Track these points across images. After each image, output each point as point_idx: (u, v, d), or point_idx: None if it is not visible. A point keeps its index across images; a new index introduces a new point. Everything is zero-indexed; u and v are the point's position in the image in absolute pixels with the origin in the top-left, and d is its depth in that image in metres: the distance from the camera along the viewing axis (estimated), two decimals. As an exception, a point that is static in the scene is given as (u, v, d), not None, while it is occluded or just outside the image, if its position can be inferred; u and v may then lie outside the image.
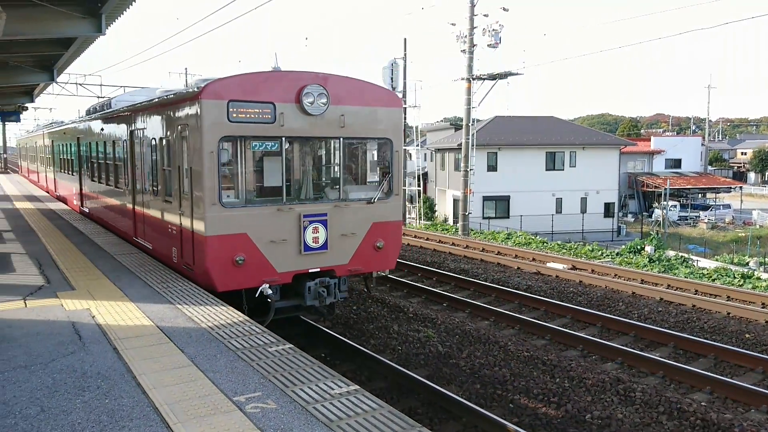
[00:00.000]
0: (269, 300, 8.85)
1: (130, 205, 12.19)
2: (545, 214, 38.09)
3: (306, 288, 9.19)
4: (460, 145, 27.25)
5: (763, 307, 12.57)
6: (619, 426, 7.42)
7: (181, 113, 9.07)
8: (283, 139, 8.86)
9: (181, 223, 9.33)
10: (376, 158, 10.36)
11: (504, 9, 25.48)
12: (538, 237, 26.67)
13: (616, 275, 16.12)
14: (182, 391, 4.91)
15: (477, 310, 12.64)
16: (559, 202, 39.73)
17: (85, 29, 13.70)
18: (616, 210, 41.76)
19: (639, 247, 22.90)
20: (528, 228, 33.04)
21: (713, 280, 16.55)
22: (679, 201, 52.16)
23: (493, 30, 25.07)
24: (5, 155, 62.12)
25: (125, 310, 7.28)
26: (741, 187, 59.36)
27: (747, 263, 21.94)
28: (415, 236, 24.66)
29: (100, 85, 35.57)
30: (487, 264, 18.31)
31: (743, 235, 40.02)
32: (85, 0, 13.05)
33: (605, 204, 40.98)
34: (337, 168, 9.79)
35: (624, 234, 41.38)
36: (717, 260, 22.84)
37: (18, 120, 38.71)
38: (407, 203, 34.97)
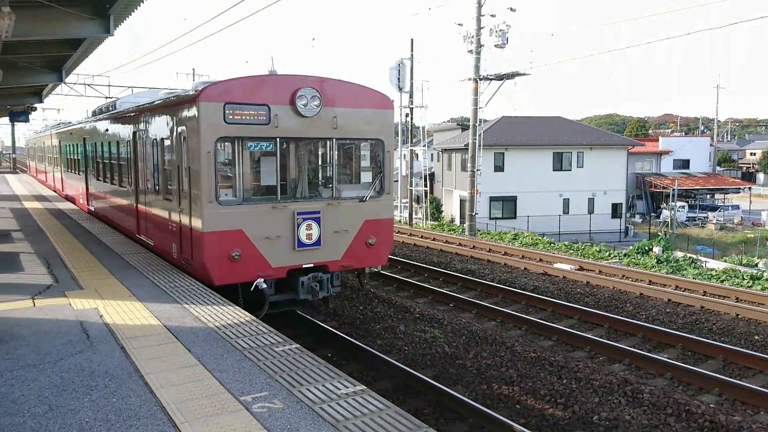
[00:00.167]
0: (264, 294, 9.19)
1: (133, 204, 12.56)
2: (552, 214, 37.98)
3: (299, 283, 9.56)
4: (467, 145, 27.22)
5: (772, 309, 12.48)
6: (627, 428, 7.38)
7: (180, 115, 9.46)
8: (278, 139, 9.23)
9: (180, 221, 9.69)
10: (368, 158, 10.72)
11: (511, 9, 25.41)
12: (545, 238, 26.58)
13: (623, 276, 16.05)
14: (189, 391, 4.93)
15: (484, 310, 12.61)
16: (566, 203, 39.61)
17: (93, 30, 13.80)
18: (623, 211, 41.59)
19: (647, 247, 22.80)
20: (535, 228, 32.96)
21: (722, 281, 16.44)
22: (688, 202, 51.92)
23: (501, 30, 25.01)
24: (14, 155, 62.55)
25: (133, 310, 7.31)
26: (750, 188, 59.04)
27: (756, 264, 21.79)
28: (422, 236, 24.64)
29: (108, 85, 35.75)
30: (494, 264, 18.27)
31: (752, 236, 39.77)
32: (93, 1, 13.13)
33: (613, 204, 40.82)
34: (330, 167, 10.11)
35: (632, 235, 41.22)
36: (725, 261, 22.70)
37: (27, 120, 38.96)
38: (414, 203, 34.95)
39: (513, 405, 8.01)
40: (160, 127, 10.64)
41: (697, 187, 52.11)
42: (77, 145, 19.49)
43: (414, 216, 33.73)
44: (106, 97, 34.06)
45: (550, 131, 40.81)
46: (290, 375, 5.26)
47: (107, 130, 14.88)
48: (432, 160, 47.46)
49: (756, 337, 10.97)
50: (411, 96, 32.74)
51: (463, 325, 11.38)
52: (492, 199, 37.75)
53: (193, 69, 40.04)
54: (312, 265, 9.69)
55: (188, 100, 9.09)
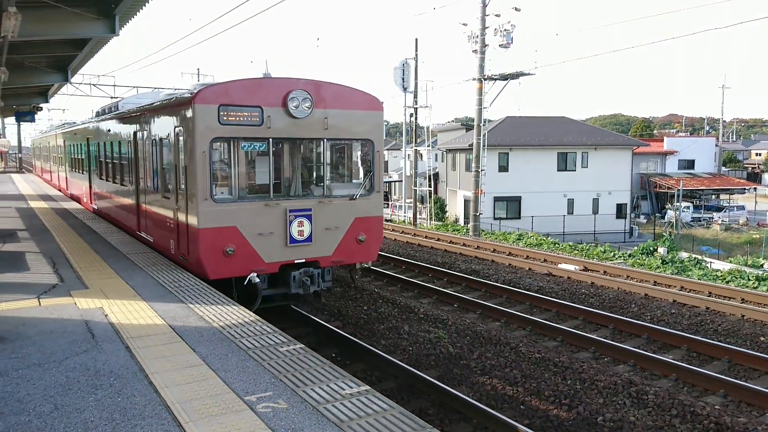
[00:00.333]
0: (257, 288, 9.56)
1: (133, 202, 12.94)
2: (557, 215, 37.89)
3: (291, 277, 9.94)
4: (471, 145, 27.18)
5: (778, 310, 12.42)
6: (632, 429, 7.36)
7: (177, 116, 9.86)
8: (270, 140, 9.61)
9: (177, 218, 10.09)
10: (358, 158, 11.12)
11: (516, 9, 25.38)
12: (549, 238, 26.55)
13: (628, 277, 16.01)
14: (194, 390, 4.94)
15: (488, 311, 12.60)
16: (570, 203, 39.52)
17: (98, 30, 13.85)
18: (628, 211, 41.46)
19: (652, 248, 22.73)
20: (539, 229, 32.90)
21: (727, 282, 16.39)
22: (692, 202, 51.75)
23: (505, 30, 24.97)
24: (20, 155, 62.79)
25: (137, 309, 7.32)
26: (755, 188, 58.82)
27: (761, 265, 21.68)
28: (426, 236, 24.63)
29: (114, 85, 35.81)
30: (498, 265, 18.25)
31: (757, 236, 39.60)
32: (98, 1, 13.17)
33: (617, 205, 40.71)
34: (321, 167, 10.51)
35: (636, 235, 41.10)
36: (731, 262, 22.60)
37: (33, 120, 39.10)
38: (418, 203, 34.93)
39: (517, 405, 7.99)
40: (158, 127, 11.02)
41: (702, 188, 51.94)
42: (81, 145, 19.80)
43: (418, 216, 33.71)
44: (112, 97, 34.15)
45: (554, 131, 40.73)
46: (294, 375, 5.27)
47: (109, 130, 15.21)
48: (436, 160, 47.42)
49: (762, 339, 10.93)
50: (415, 96, 32.72)
51: (468, 325, 11.37)
52: (496, 199, 37.69)
53: (198, 69, 40.05)
54: (304, 260, 10.08)
55: (185, 101, 9.44)
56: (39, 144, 41.65)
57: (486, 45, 25.22)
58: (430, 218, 36.73)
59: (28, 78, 22.19)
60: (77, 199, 21.72)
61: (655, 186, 51.18)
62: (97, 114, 18.03)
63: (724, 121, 71.34)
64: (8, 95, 27.63)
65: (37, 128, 61.67)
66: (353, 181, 11.04)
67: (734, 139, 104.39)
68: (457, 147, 41.69)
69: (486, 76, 25.57)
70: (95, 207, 17.98)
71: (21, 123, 45.26)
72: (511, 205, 38.80)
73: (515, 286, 14.75)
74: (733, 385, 8.54)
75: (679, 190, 44.88)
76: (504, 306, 13.00)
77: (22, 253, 11.05)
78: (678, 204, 44.13)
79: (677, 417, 7.66)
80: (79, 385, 5.05)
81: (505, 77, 25.92)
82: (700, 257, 22.19)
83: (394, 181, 58.95)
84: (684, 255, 22.23)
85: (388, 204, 50.07)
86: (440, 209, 41.04)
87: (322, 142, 10.24)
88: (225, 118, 9.15)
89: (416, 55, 32.29)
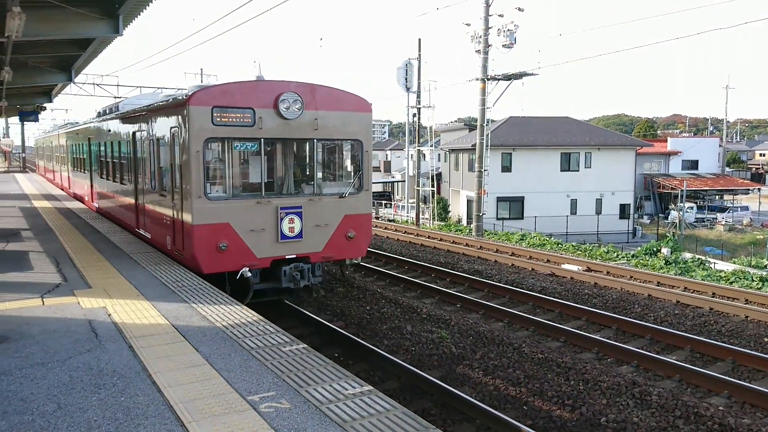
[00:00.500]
0: (249, 282, 9.99)
1: (132, 200, 13.36)
2: (560, 215, 37.85)
3: (282, 272, 10.33)
4: (474, 145, 27.15)
5: (782, 311, 12.38)
6: (635, 430, 7.34)
7: (173, 117, 10.26)
8: (262, 140, 10.03)
9: (173, 215, 10.51)
10: (348, 157, 11.51)
11: (519, 9, 25.33)
12: (552, 238, 26.50)
13: (631, 277, 15.97)
14: (197, 390, 4.94)
15: (491, 311, 12.58)
16: (573, 203, 39.46)
17: (102, 30, 13.88)
18: (631, 211, 41.39)
19: (655, 249, 22.67)
20: (542, 229, 32.85)
21: (731, 282, 16.33)
22: (696, 202, 51.64)
23: (508, 30, 24.93)
24: (24, 154, 62.94)
25: (141, 309, 7.33)
26: (759, 189, 58.60)
27: (765, 266, 21.64)
28: (429, 237, 24.62)
29: (117, 85, 35.91)
30: (501, 265, 18.23)
31: (761, 237, 39.49)
32: (102, 1, 13.19)
33: (621, 205, 40.64)
34: (311, 166, 10.92)
35: (640, 236, 41.02)
36: (734, 263, 22.54)
37: (36, 120, 39.21)
38: (421, 204, 34.92)
39: (520, 406, 7.98)
40: (155, 127, 11.39)
41: (705, 188, 51.81)
42: (83, 144, 20.17)
43: (421, 216, 33.69)
44: (115, 97, 34.24)
45: (557, 131, 40.67)
46: (297, 375, 5.27)
47: (110, 130, 15.57)
48: (439, 160, 47.43)
49: (766, 339, 10.89)
50: (418, 96, 32.70)
51: (471, 325, 11.36)
52: (499, 199, 37.67)
53: (201, 69, 40.16)
54: (294, 256, 10.47)
55: (180, 103, 9.81)
56: (42, 144, 41.80)
57: (489, 45, 25.19)
58: (433, 218, 36.70)
59: (32, 78, 22.25)
60: (80, 199, 21.89)
61: (658, 186, 51.07)
62: (99, 114, 18.34)
63: (728, 122, 71.20)
64: (12, 95, 27.71)
65: (41, 128, 61.92)
66: (343, 179, 11.40)
67: (738, 139, 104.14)
68: (460, 147, 41.66)
69: (489, 77, 25.54)
70: (96, 205, 18.30)
71: (25, 123, 45.35)
72: (514, 206, 38.77)
73: (518, 287, 14.73)
74: (737, 387, 8.51)
75: (682, 190, 44.78)
76: (507, 306, 12.99)
77: (25, 253, 11.07)
78: (681, 204, 44.02)
79: (681, 418, 7.64)
80: (82, 385, 5.05)
81: (508, 77, 25.89)
82: (703, 258, 22.14)
83: (397, 181, 58.96)
84: (687, 256, 22.17)
85: (390, 204, 50.09)
86: (443, 209, 41.01)
87: (312, 143, 10.65)
88: (218, 119, 9.53)
89: (419, 55, 32.27)
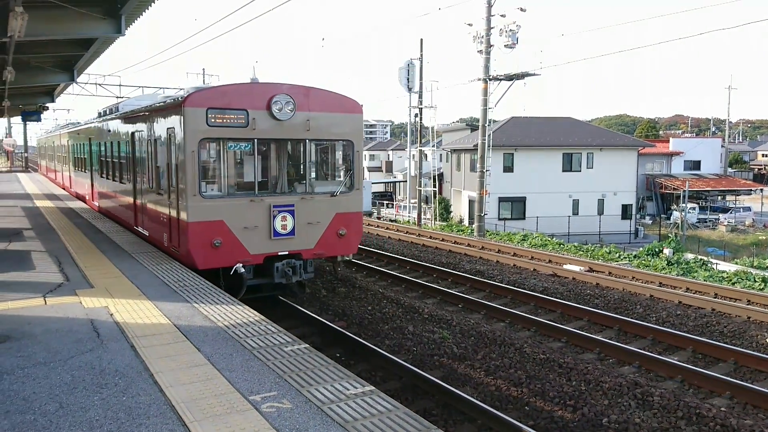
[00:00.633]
0: (242, 278, 10.27)
1: (131, 199, 13.71)
2: (562, 215, 37.82)
3: (275, 268, 10.61)
4: (476, 145, 27.15)
5: (784, 312, 12.36)
6: (637, 430, 7.33)
7: (169, 118, 10.59)
8: (255, 140, 10.32)
9: (169, 212, 10.82)
10: (339, 157, 11.80)
11: (521, 9, 25.31)
12: (554, 238, 26.47)
13: (633, 278, 15.96)
14: (198, 390, 4.94)
15: (492, 311, 12.57)
16: (575, 204, 39.43)
17: (104, 30, 13.88)
18: (633, 212, 41.34)
19: (657, 249, 22.63)
20: (544, 229, 32.82)
21: (733, 283, 16.31)
22: (698, 203, 51.53)
23: (510, 30, 24.92)
24: (26, 154, 63.02)
25: (143, 309, 7.34)
26: (762, 190, 58.45)
27: (768, 267, 21.59)
28: (431, 237, 24.61)
29: (119, 85, 35.93)
30: (503, 265, 18.22)
31: (764, 238, 39.43)
32: (105, 1, 13.19)
33: (623, 206, 40.59)
34: (303, 165, 11.20)
35: (642, 236, 40.97)
36: (737, 263, 22.49)
37: (39, 120, 39.23)
38: (423, 204, 34.91)
39: (522, 406, 7.98)
40: (153, 128, 11.72)
41: (708, 189, 51.71)
42: (84, 144, 20.47)
43: (422, 216, 33.68)
44: (117, 97, 34.26)
45: (559, 132, 40.63)
46: (299, 375, 5.27)
47: (110, 130, 15.91)
48: (441, 160, 47.40)
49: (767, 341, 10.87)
50: (420, 96, 32.71)
51: (472, 326, 11.35)
52: (501, 199, 37.64)
53: (204, 69, 40.19)
54: (287, 252, 10.75)
55: (176, 105, 10.15)
56: (44, 143, 41.88)
57: (491, 45, 25.17)
58: (435, 218, 36.69)
59: (34, 77, 22.26)
60: (81, 198, 22.03)
61: (660, 187, 50.99)
62: (100, 115, 18.63)
63: (731, 122, 71.05)
64: (15, 95, 27.73)
65: (43, 128, 61.98)
66: (334, 179, 11.70)
67: (740, 140, 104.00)
68: (461, 147, 41.64)
69: (491, 77, 25.53)
70: (97, 204, 18.62)
71: (27, 122, 45.40)
72: (516, 206, 38.74)
73: (520, 287, 14.72)
74: (739, 387, 8.50)
75: (684, 191, 44.70)
76: (509, 306, 12.98)
77: (28, 252, 11.09)
78: (684, 205, 43.95)
79: (683, 419, 7.63)
80: (84, 384, 5.06)
81: (510, 77, 25.88)
82: (705, 258, 22.09)
83: (399, 182, 58.96)
84: (690, 256, 22.13)
85: (392, 204, 50.09)
86: (445, 209, 41.01)
87: (304, 143, 10.96)
88: (213, 120, 9.83)
89: (421, 55, 32.28)
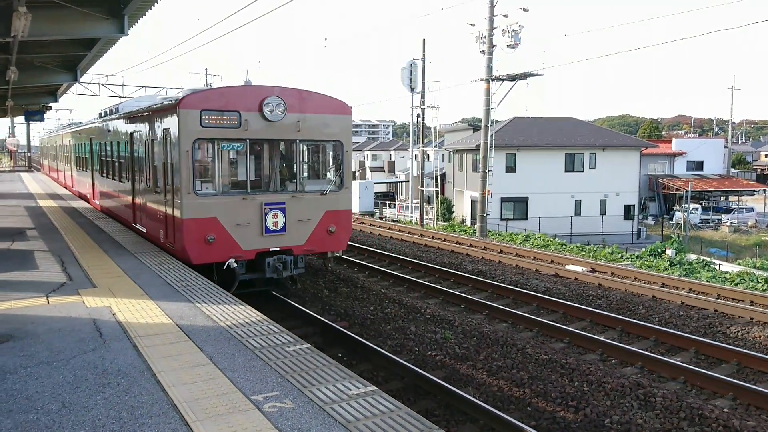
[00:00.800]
0: (235, 272, 10.63)
1: (130, 197, 14.13)
2: (564, 216, 37.78)
3: (266, 263, 10.99)
4: (479, 146, 27.13)
5: (787, 313, 12.32)
6: (639, 431, 7.32)
7: (165, 119, 10.99)
8: (248, 141, 10.69)
9: (165, 210, 11.21)
10: (329, 157, 12.16)
11: (524, 9, 25.32)
12: (556, 239, 26.45)
13: (636, 278, 15.93)
14: (201, 390, 4.94)
15: (495, 312, 12.57)
16: (578, 204, 39.38)
17: (107, 30, 13.91)
18: (636, 212, 41.29)
19: (660, 250, 22.62)
20: (546, 230, 32.79)
21: (736, 284, 16.28)
22: (701, 204, 51.44)
23: (513, 30, 24.92)
24: (29, 154, 63.16)
25: (145, 308, 7.35)
26: (765, 190, 58.33)
27: (771, 268, 21.54)
28: (433, 237, 24.60)
29: (122, 85, 35.97)
30: (505, 266, 18.20)
31: (767, 238, 39.34)
32: (107, 1, 13.21)
33: (625, 206, 40.54)
34: (294, 164, 11.53)
35: (644, 237, 40.91)
36: (740, 264, 22.47)
37: (42, 119, 39.31)
38: (425, 204, 34.90)
39: (524, 407, 7.97)
40: (150, 129, 12.12)
41: (710, 189, 51.62)
42: (85, 144, 20.83)
43: (425, 216, 33.67)
44: (120, 97, 34.31)
45: (562, 132, 40.59)
46: (301, 375, 5.27)
47: (110, 130, 16.32)
48: (443, 160, 47.35)
49: (771, 342, 10.84)
50: (423, 96, 32.71)
51: (474, 326, 11.35)
52: (503, 200, 37.61)
53: (206, 69, 40.21)
54: (278, 248, 11.12)
55: (171, 106, 10.55)
56: (47, 143, 41.97)
57: (494, 45, 25.17)
58: (437, 219, 36.67)
59: (37, 77, 22.31)
60: (84, 197, 22.15)
61: (663, 187, 50.90)
62: (100, 115, 18.96)
63: (734, 123, 70.89)
64: (18, 94, 27.80)
65: (46, 128, 62.07)
66: (324, 178, 12.08)
67: (743, 140, 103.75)
68: (464, 147, 41.61)
69: (494, 77, 25.51)
70: (97, 203, 19.00)
71: (30, 122, 45.52)
72: (519, 206, 38.71)
73: (522, 287, 14.70)
74: (742, 388, 8.48)
75: (687, 191, 44.61)
76: (511, 307, 12.97)
77: (30, 252, 11.11)
78: (686, 205, 43.87)
79: (685, 420, 7.61)
80: (86, 384, 5.07)
81: (512, 78, 25.86)
82: (708, 259, 22.07)
83: (401, 182, 58.95)
84: (692, 257, 22.11)
85: (394, 204, 50.08)
86: (447, 210, 40.98)
87: (295, 143, 11.33)
88: (206, 121, 10.21)
89: (424, 55, 32.28)
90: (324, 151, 12.15)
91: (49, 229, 14.20)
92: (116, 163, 15.52)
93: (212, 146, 10.66)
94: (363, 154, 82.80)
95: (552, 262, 18.40)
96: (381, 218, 39.17)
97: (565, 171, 39.30)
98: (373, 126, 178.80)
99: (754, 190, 56.86)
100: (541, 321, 11.70)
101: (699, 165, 55.18)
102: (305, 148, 11.69)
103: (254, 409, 4.58)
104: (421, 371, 8.60)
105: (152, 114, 11.95)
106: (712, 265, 20.21)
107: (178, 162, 10.26)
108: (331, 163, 12.17)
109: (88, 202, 21.03)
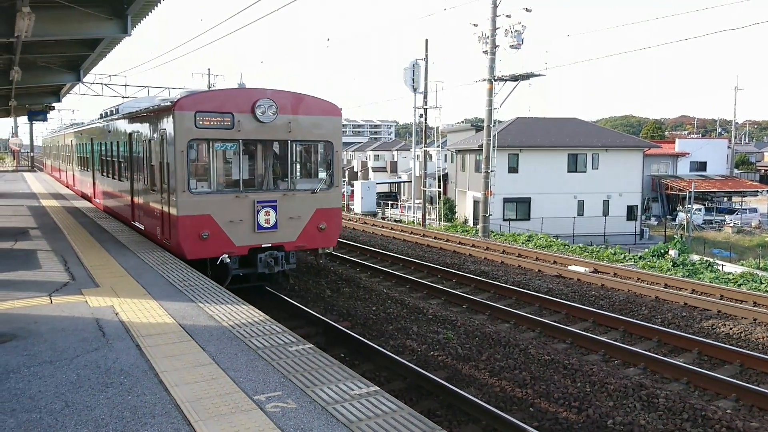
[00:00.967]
0: (228, 267, 11.01)
1: (128, 195, 14.59)
2: (567, 216, 37.73)
3: (258, 259, 11.36)
4: (481, 146, 27.11)
5: (790, 314, 12.29)
6: (642, 432, 7.31)
7: (161, 120, 11.43)
8: (241, 141, 11.10)
9: (162, 207, 11.63)
10: (320, 157, 12.54)
11: (527, 10, 25.28)
12: (559, 239, 26.42)
13: (638, 279, 15.91)
14: (203, 389, 4.95)
15: (497, 312, 12.56)
16: (580, 205, 39.32)
17: (111, 30, 13.94)
18: (639, 213, 41.20)
19: (662, 250, 22.58)
20: (549, 230, 32.75)
21: (739, 285, 16.24)
22: (704, 204, 51.35)
23: (516, 31, 24.88)
24: (32, 154, 63.30)
25: (148, 308, 7.36)
26: (768, 191, 58.18)
27: (774, 268, 21.49)
28: (435, 237, 24.59)
29: (125, 85, 36.06)
30: (508, 266, 18.19)
31: (770, 239, 39.20)
32: (111, 1, 13.25)
33: (628, 207, 40.45)
34: (285, 164, 11.87)
35: (647, 237, 40.83)
36: (743, 265, 22.43)
37: (45, 119, 39.41)
38: (427, 204, 34.88)
39: (526, 408, 7.96)
40: (147, 129, 12.53)
41: (714, 190, 51.52)
42: (86, 144, 21.18)
43: (427, 217, 33.65)
44: (123, 97, 34.40)
45: (565, 132, 40.53)
46: (304, 375, 5.27)
47: (110, 131, 16.74)
48: (446, 161, 47.34)
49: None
50: (425, 96, 32.68)
51: (477, 326, 11.34)
52: (506, 200, 37.57)
53: (209, 69, 40.29)
54: (270, 245, 11.50)
55: (167, 108, 10.97)
56: (49, 143, 42.09)
57: (496, 46, 25.15)
58: (439, 219, 36.65)
59: (40, 77, 22.37)
60: (86, 197, 22.31)
61: (666, 188, 50.82)
62: (101, 116, 19.29)
63: (737, 123, 70.75)
64: (21, 94, 27.88)
65: (49, 127, 62.24)
66: (315, 177, 12.44)
67: (747, 141, 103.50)
68: (466, 148, 41.59)
69: (496, 77, 25.49)
70: (98, 201, 19.36)
71: (33, 122, 45.61)
72: (521, 207, 38.67)
73: (525, 288, 14.69)
74: (745, 390, 8.46)
75: (690, 192, 44.53)
76: (513, 307, 12.96)
77: (34, 251, 11.13)
78: (689, 206, 43.78)
79: (688, 421, 7.60)
80: (89, 383, 5.07)
81: (515, 78, 25.82)
82: (711, 260, 22.02)
83: (404, 182, 58.93)
84: (695, 257, 22.07)
85: (397, 204, 50.08)
86: (449, 210, 40.95)
87: (286, 143, 11.67)
88: (201, 123, 10.61)
89: (426, 55, 32.27)
90: (315, 151, 12.50)
91: (52, 228, 14.23)
92: (116, 163, 15.93)
93: (206, 146, 11.05)
94: (365, 154, 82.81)
95: (554, 262, 18.38)
96: (383, 218, 39.18)
97: (568, 171, 39.23)
98: (376, 126, 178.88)
99: (757, 191, 56.70)
100: (544, 321, 11.69)
101: (702, 165, 55.08)
102: (296, 148, 12.03)
103: (257, 409, 4.58)
104: (423, 371, 8.60)
105: (150, 115, 12.37)
106: (715, 266, 20.18)
107: (173, 161, 10.64)
108: (321, 163, 12.51)
109: (89, 201, 21.21)
